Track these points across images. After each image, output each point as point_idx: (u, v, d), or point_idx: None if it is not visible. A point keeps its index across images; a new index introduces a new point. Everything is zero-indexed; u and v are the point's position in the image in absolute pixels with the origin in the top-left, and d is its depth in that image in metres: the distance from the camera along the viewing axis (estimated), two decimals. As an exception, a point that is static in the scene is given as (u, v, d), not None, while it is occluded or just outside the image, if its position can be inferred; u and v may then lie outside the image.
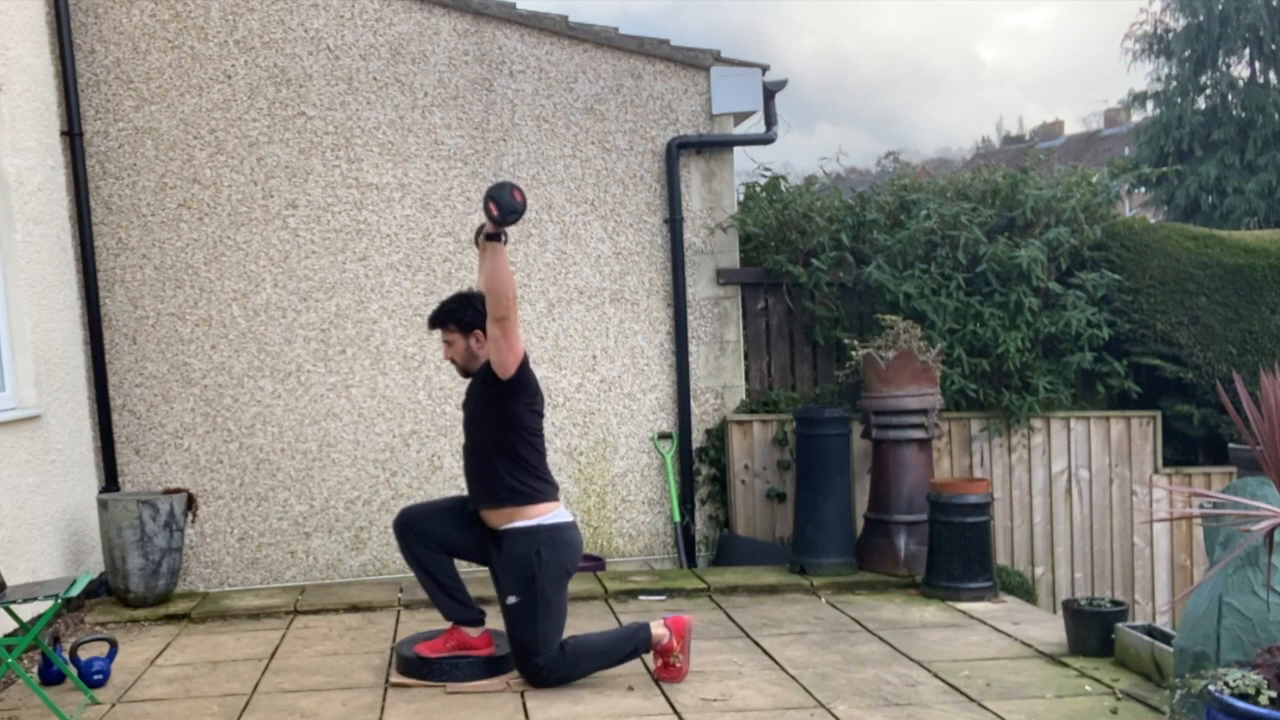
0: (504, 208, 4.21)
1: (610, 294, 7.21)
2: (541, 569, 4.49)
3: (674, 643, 4.66)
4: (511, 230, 7.01)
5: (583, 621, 5.69)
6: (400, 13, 6.95)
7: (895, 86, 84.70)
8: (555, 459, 7.11)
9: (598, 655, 4.68)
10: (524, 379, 4.53)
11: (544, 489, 4.62)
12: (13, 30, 6.07)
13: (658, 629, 4.67)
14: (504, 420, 4.54)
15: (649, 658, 4.82)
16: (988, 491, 6.06)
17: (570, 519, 4.70)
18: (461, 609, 4.80)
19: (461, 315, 4.63)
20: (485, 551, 4.69)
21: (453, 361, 4.74)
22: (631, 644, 4.67)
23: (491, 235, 4.29)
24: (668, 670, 4.69)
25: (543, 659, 4.55)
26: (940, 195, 7.44)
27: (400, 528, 4.80)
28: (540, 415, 4.66)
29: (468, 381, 4.79)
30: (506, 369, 4.44)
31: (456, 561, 4.85)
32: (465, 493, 4.85)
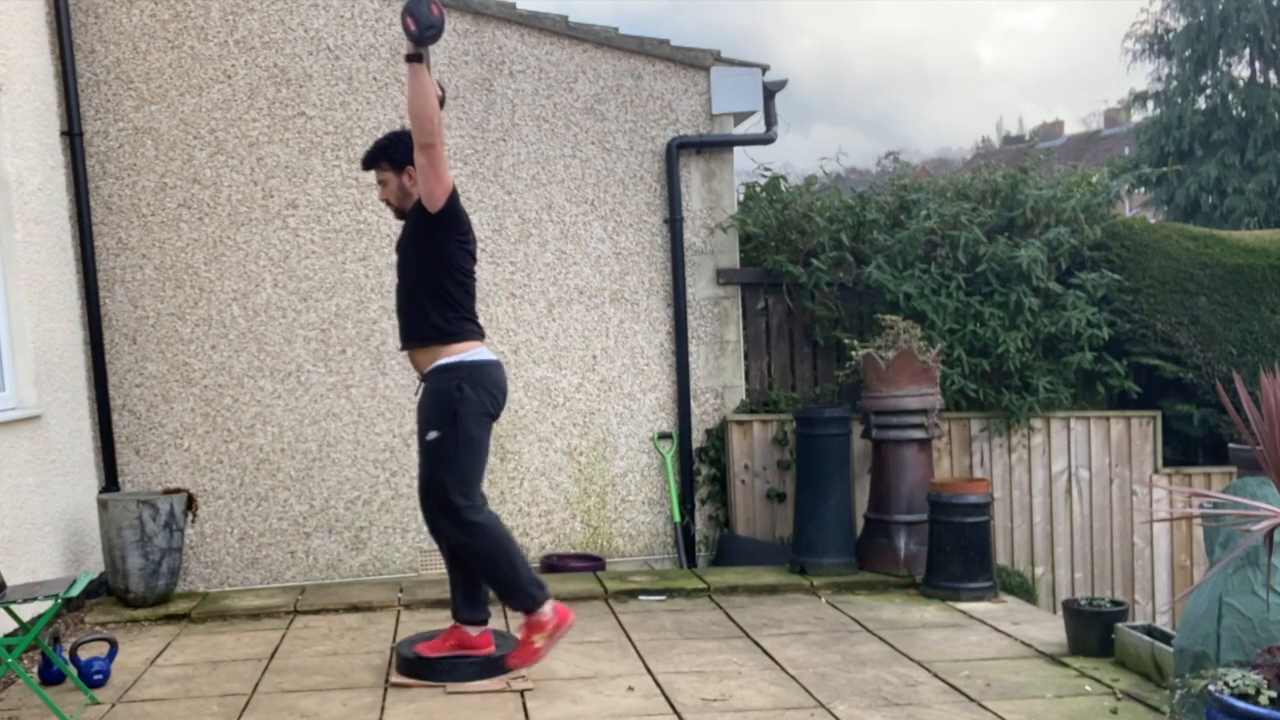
0: (421, 22, 4.11)
1: (610, 294, 7.21)
2: (463, 404, 4.42)
3: (549, 624, 4.56)
4: (512, 230, 7.07)
5: (583, 621, 5.68)
6: (400, 12, 6.93)
7: (893, 87, 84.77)
8: (555, 459, 7.13)
9: (507, 555, 4.52)
10: (454, 211, 4.48)
11: (469, 328, 4.57)
12: (13, 30, 6.07)
13: (548, 606, 4.57)
14: (434, 257, 4.50)
15: (656, 659, 4.80)
16: (988, 491, 6.06)
17: (494, 358, 4.62)
18: (471, 610, 4.79)
19: (393, 152, 4.58)
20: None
21: (387, 203, 4.71)
22: (536, 586, 4.54)
23: (411, 55, 4.20)
24: (524, 649, 4.57)
25: (463, 499, 4.44)
26: (940, 195, 7.44)
27: (425, 512, 4.76)
28: (472, 256, 4.62)
29: (397, 244, 4.74)
30: (435, 199, 4.40)
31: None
32: None
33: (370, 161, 4.68)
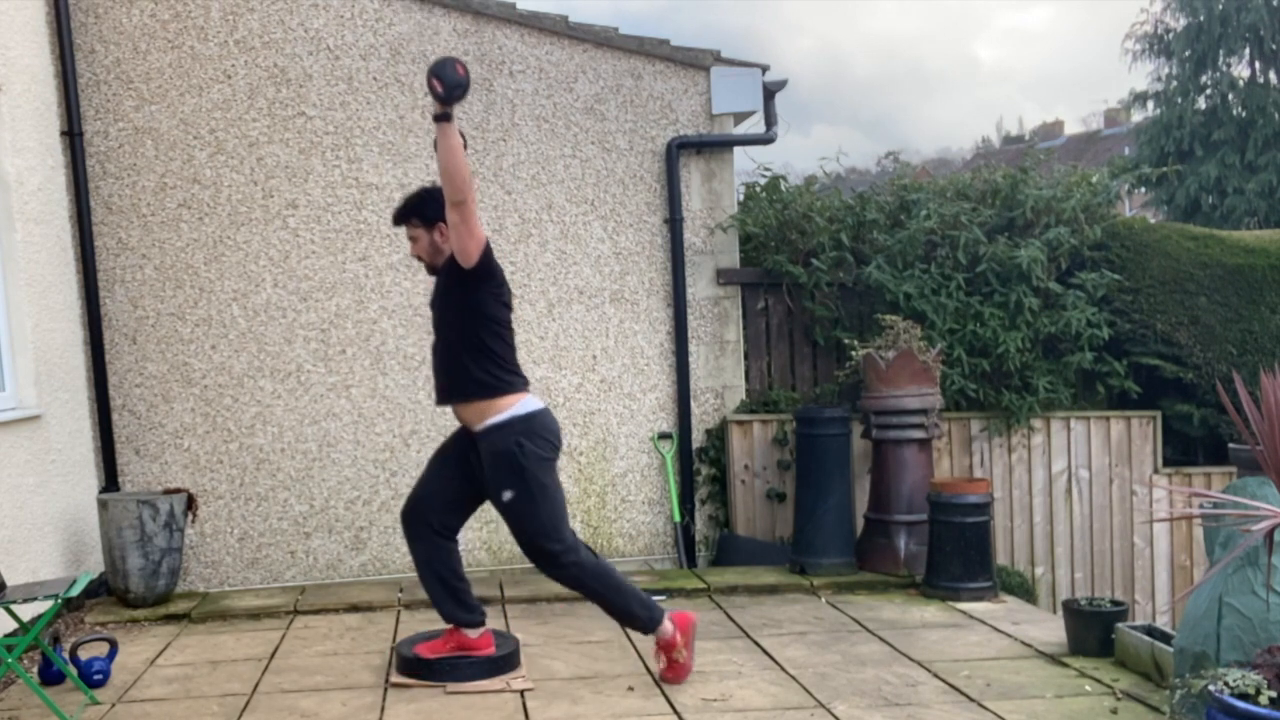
0: (448, 83, 4.12)
1: (610, 294, 7.21)
2: (526, 458, 4.44)
3: (678, 637, 4.64)
4: (511, 230, 7.07)
5: (583, 621, 5.69)
6: (400, 13, 6.95)
7: (892, 87, 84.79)
8: (555, 459, 7.13)
9: (615, 587, 4.61)
10: (488, 266, 4.47)
11: (513, 380, 4.57)
12: (13, 30, 6.07)
13: (666, 621, 4.65)
14: (470, 312, 4.49)
15: (652, 657, 4.82)
16: (988, 491, 6.06)
17: (542, 405, 4.63)
18: (463, 613, 4.78)
19: (424, 208, 4.57)
20: (479, 482, 4.62)
21: (419, 259, 4.69)
22: (647, 609, 4.62)
23: (439, 116, 4.20)
24: (671, 668, 4.67)
25: (555, 544, 4.49)
26: (940, 195, 7.44)
27: (407, 516, 4.79)
28: (508, 307, 4.61)
29: (431, 301, 4.73)
30: (469, 256, 4.39)
31: (461, 557, 4.85)
32: (435, 450, 4.83)
33: (401, 218, 4.67)
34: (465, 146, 4.34)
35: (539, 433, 4.52)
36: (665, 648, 4.67)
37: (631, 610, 4.64)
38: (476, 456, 4.59)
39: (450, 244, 4.45)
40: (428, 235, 4.59)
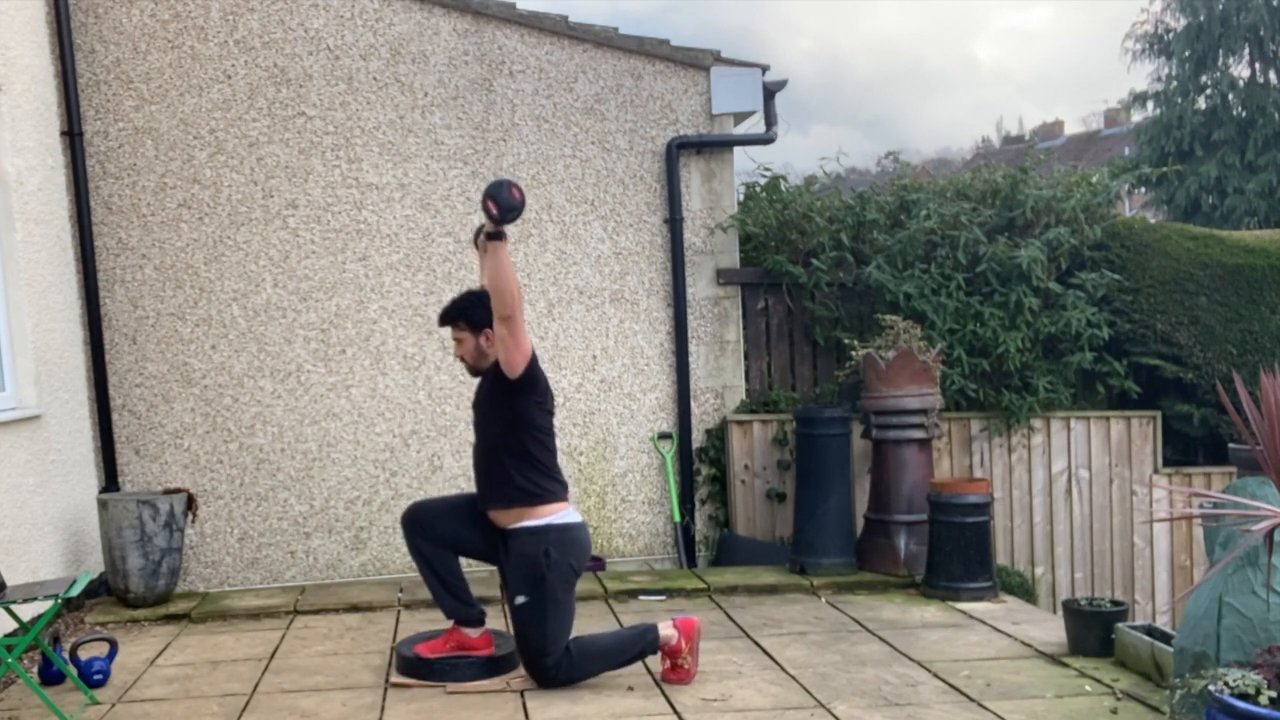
0: (503, 206, 4.19)
1: (610, 294, 7.21)
2: (550, 569, 4.48)
3: (682, 644, 4.65)
4: (511, 230, 7.03)
5: (583, 622, 5.67)
6: (400, 13, 6.95)
7: (891, 86, 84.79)
8: (555, 459, 7.12)
9: (605, 656, 4.68)
10: (533, 377, 4.52)
11: (554, 489, 4.62)
12: (13, 30, 6.07)
13: (666, 630, 4.66)
14: (514, 419, 4.54)
15: (655, 659, 4.82)
16: (988, 491, 6.06)
17: (579, 520, 4.69)
18: (463, 607, 4.79)
19: (472, 313, 4.61)
20: (493, 550, 4.69)
21: (462, 360, 4.73)
22: (639, 645, 4.66)
23: (492, 234, 4.27)
24: (675, 672, 4.67)
25: (551, 659, 4.55)
26: (940, 195, 7.44)
27: (408, 522, 4.80)
28: (550, 414, 4.66)
29: (473, 382, 4.79)
30: (514, 368, 4.44)
31: (462, 560, 4.86)
32: (471, 490, 4.85)
33: (448, 320, 4.69)
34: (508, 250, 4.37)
35: (570, 546, 4.56)
36: (671, 654, 4.68)
37: (631, 657, 4.69)
38: (504, 547, 4.62)
39: (495, 350, 4.48)
40: (474, 339, 4.62)
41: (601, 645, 4.72)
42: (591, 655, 4.65)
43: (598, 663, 4.67)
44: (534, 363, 4.52)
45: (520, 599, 4.53)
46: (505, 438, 4.56)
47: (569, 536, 4.58)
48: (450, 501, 4.96)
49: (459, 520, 4.76)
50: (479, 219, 6.94)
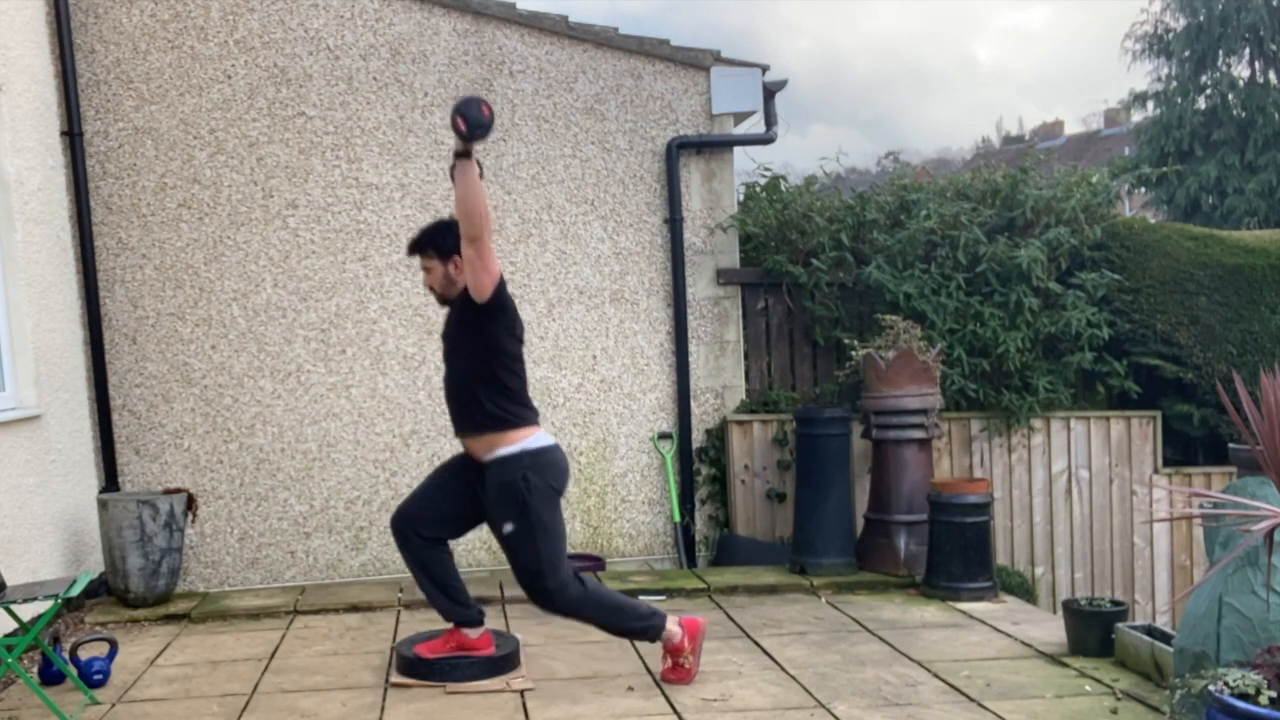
0: (471, 122, 4.13)
1: (610, 294, 7.21)
2: (530, 493, 4.44)
3: (685, 642, 4.65)
4: (511, 229, 7.07)
5: (583, 621, 5.69)
6: (400, 13, 6.95)
7: (890, 86, 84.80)
8: (555, 459, 7.12)
9: (611, 609, 4.63)
10: (501, 301, 4.48)
11: (524, 414, 4.58)
12: (13, 30, 6.07)
13: (671, 626, 4.65)
14: (483, 346, 4.50)
15: (656, 658, 4.82)
16: (988, 491, 6.06)
17: (553, 442, 4.64)
18: (460, 609, 4.79)
19: (440, 241, 4.58)
20: (479, 505, 4.64)
21: (431, 289, 4.70)
22: (645, 621, 4.63)
23: (460, 153, 4.22)
24: (676, 671, 4.67)
25: (551, 580, 4.50)
26: (940, 195, 7.44)
27: (397, 525, 4.79)
28: (520, 341, 4.62)
29: (443, 332, 4.74)
30: (483, 291, 4.40)
31: (460, 557, 4.86)
32: (439, 466, 4.85)
33: (416, 248, 4.67)
34: (481, 174, 4.36)
35: (547, 468, 4.54)
36: (673, 652, 4.68)
37: (632, 627, 4.67)
38: (481, 485, 4.60)
39: (464, 277, 4.46)
40: (442, 267, 4.60)
41: (613, 599, 4.68)
42: (599, 601, 4.61)
43: (601, 610, 4.62)
44: (502, 287, 4.48)
45: (507, 528, 4.48)
46: (475, 365, 4.52)
47: (544, 459, 4.54)
48: (425, 485, 4.90)
49: (439, 496, 4.73)
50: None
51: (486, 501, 4.59)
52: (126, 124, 6.76)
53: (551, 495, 4.54)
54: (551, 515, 4.52)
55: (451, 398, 4.67)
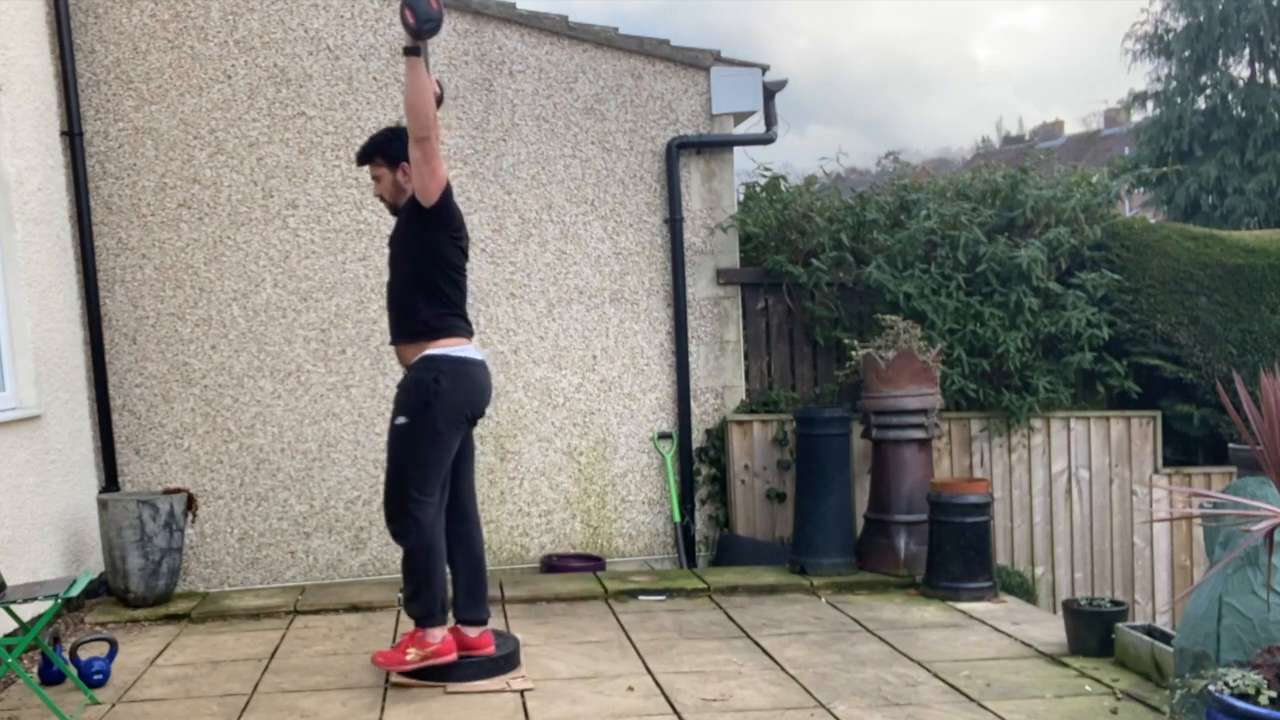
0: (420, 16, 4.10)
1: (610, 294, 7.21)
2: (437, 396, 4.41)
3: (433, 649, 4.57)
4: (511, 230, 7.07)
5: (583, 621, 5.69)
6: (400, 6, 6.93)
7: (888, 86, 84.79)
8: (555, 459, 7.13)
9: (431, 576, 4.52)
10: (447, 208, 4.48)
11: (458, 325, 4.56)
12: (13, 30, 6.07)
13: (439, 633, 4.59)
14: (426, 252, 4.48)
15: (656, 659, 4.81)
16: (988, 491, 6.06)
17: (480, 358, 4.60)
18: (472, 607, 4.79)
19: (388, 147, 4.57)
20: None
21: (381, 199, 4.69)
22: (436, 606, 4.55)
23: (409, 49, 4.19)
24: (393, 653, 4.61)
25: (415, 494, 4.43)
26: (940, 195, 7.44)
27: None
28: (464, 253, 4.61)
29: (389, 239, 4.73)
30: (429, 194, 4.39)
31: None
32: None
33: (365, 157, 4.67)
34: (440, 100, 4.31)
35: (462, 380, 4.48)
36: (411, 642, 4.60)
37: (423, 600, 4.56)
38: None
39: (412, 183, 4.44)
40: (391, 174, 4.59)
41: (441, 572, 4.56)
42: (435, 563, 4.51)
43: (427, 572, 4.50)
44: (448, 193, 4.47)
45: (400, 419, 4.45)
46: (416, 272, 4.50)
47: (464, 370, 4.51)
48: None
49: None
50: (479, 218, 6.96)
51: (395, 399, 4.53)
52: (126, 124, 6.76)
53: (458, 410, 4.48)
54: (448, 429, 4.46)
55: (391, 303, 4.66)
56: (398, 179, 4.58)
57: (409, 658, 4.62)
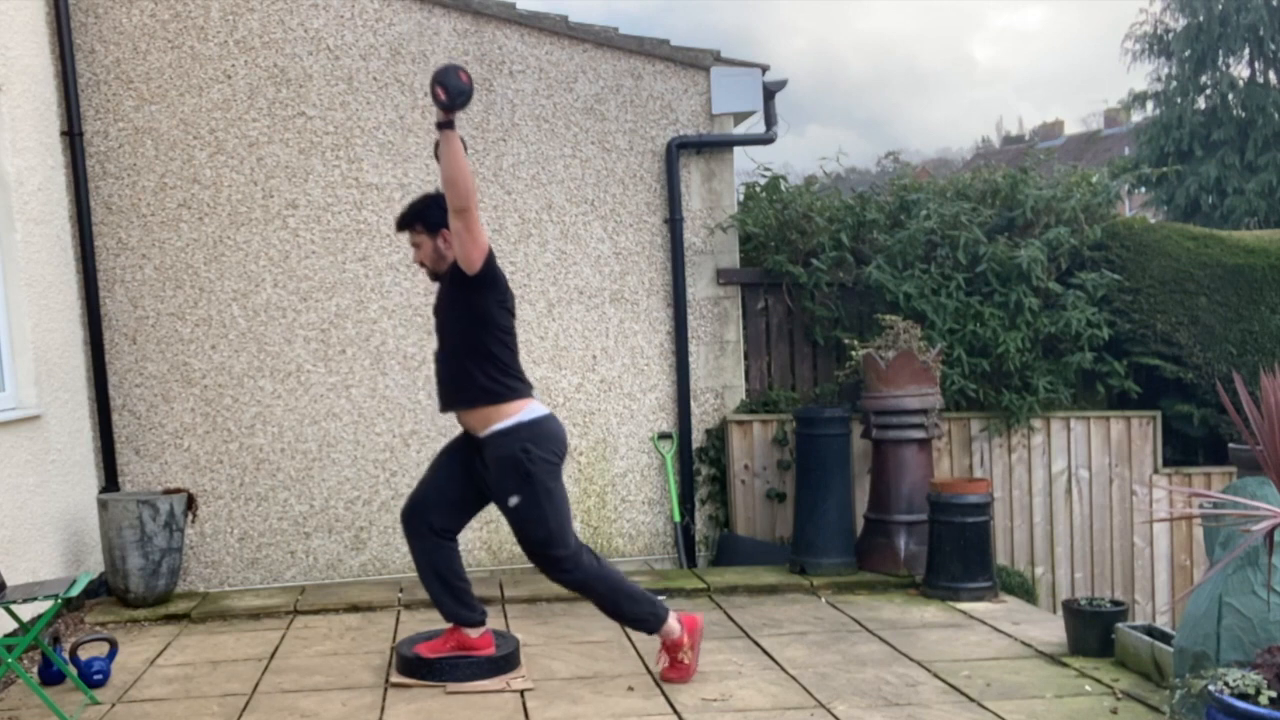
0: (451, 90, 4.12)
1: (610, 294, 7.21)
2: (532, 463, 4.44)
3: (684, 638, 4.65)
4: (511, 230, 7.07)
5: (583, 621, 5.69)
6: (400, 13, 6.95)
7: (886, 86, 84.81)
8: (555, 459, 7.12)
9: (617, 589, 4.61)
10: (491, 273, 4.48)
11: (518, 387, 4.56)
12: (13, 30, 6.07)
13: (672, 621, 4.65)
14: (475, 319, 4.49)
15: (653, 656, 4.82)
16: (988, 491, 6.06)
17: (548, 412, 4.62)
18: (465, 611, 4.78)
19: (428, 215, 4.57)
20: (483, 483, 4.62)
21: (421, 265, 4.69)
22: (647, 608, 4.62)
23: (443, 123, 4.21)
24: (675, 669, 4.67)
25: (561, 549, 4.49)
26: (940, 195, 7.44)
27: (408, 517, 4.77)
28: (511, 314, 4.62)
29: (435, 308, 4.74)
30: (472, 263, 4.39)
31: (461, 556, 4.86)
32: (439, 452, 4.84)
33: (405, 224, 4.66)
34: (465, 150, 4.35)
35: (545, 439, 4.52)
36: (670, 649, 4.67)
37: (635, 613, 4.65)
38: (481, 461, 4.58)
39: (453, 251, 4.45)
40: (431, 242, 4.58)
41: (620, 581, 4.65)
42: (608, 578, 4.59)
43: (609, 589, 4.59)
44: (492, 259, 4.46)
45: (513, 500, 4.47)
46: (467, 338, 4.50)
47: (542, 430, 4.53)
48: (428, 474, 4.87)
49: (445, 479, 4.72)
50: (479, 217, 6.95)
51: (488, 478, 4.57)
52: (126, 124, 6.76)
53: (552, 464, 4.52)
54: (555, 483, 4.51)
55: (443, 372, 4.65)
56: (438, 246, 4.57)
57: (685, 660, 4.66)
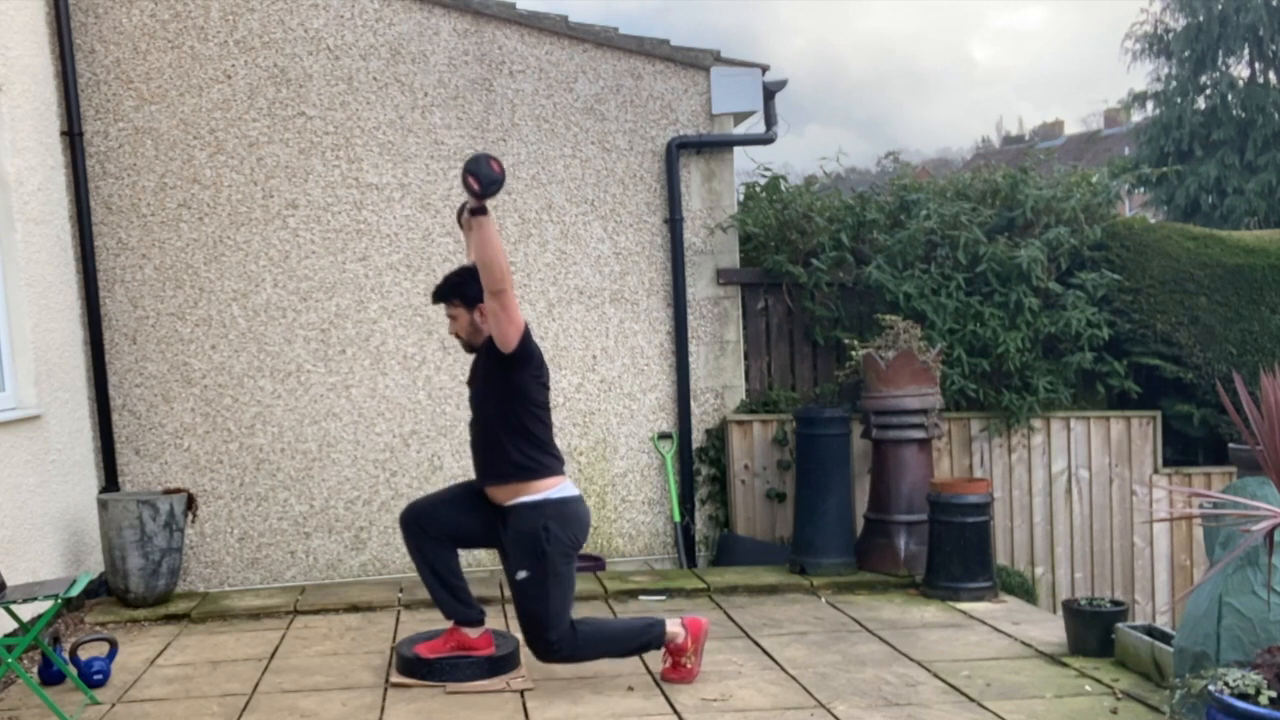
0: (484, 180, 4.15)
1: (610, 294, 7.21)
2: (550, 543, 4.46)
3: (688, 643, 4.66)
4: (511, 230, 7.07)
5: (583, 621, 5.69)
6: (400, 13, 6.95)
7: (885, 86, 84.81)
8: (555, 459, 7.12)
9: (609, 640, 4.65)
10: (527, 351, 4.50)
11: (550, 463, 4.59)
12: (13, 30, 6.07)
13: (673, 627, 4.66)
14: (510, 394, 4.51)
15: (656, 658, 4.82)
16: (988, 491, 6.06)
17: (577, 493, 4.65)
18: (463, 608, 4.79)
19: (465, 289, 4.59)
20: (493, 532, 4.65)
21: (457, 336, 4.72)
22: (644, 636, 4.64)
23: (475, 210, 4.23)
24: (677, 670, 4.68)
25: (554, 633, 4.51)
26: (940, 195, 7.44)
27: (406, 521, 4.79)
28: (546, 388, 4.64)
29: (469, 379, 4.79)
30: (508, 342, 4.41)
31: (461, 556, 4.86)
32: (466, 481, 4.85)
33: (442, 297, 4.68)
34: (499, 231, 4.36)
35: (568, 520, 4.53)
36: (674, 652, 4.68)
37: (633, 646, 4.68)
38: (502, 524, 4.60)
39: (489, 326, 4.47)
40: (468, 315, 4.61)
41: (608, 630, 4.71)
42: (597, 638, 4.62)
43: (602, 646, 4.64)
44: (528, 336, 4.48)
45: (521, 574, 4.49)
46: (502, 413, 4.52)
47: (567, 510, 4.55)
48: (444, 493, 4.94)
49: (457, 509, 4.74)
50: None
51: (505, 542, 4.60)
52: (126, 124, 6.76)
53: (570, 547, 4.54)
54: (566, 567, 4.53)
55: (478, 446, 4.68)
56: (474, 319, 4.60)
57: (689, 664, 4.70)
